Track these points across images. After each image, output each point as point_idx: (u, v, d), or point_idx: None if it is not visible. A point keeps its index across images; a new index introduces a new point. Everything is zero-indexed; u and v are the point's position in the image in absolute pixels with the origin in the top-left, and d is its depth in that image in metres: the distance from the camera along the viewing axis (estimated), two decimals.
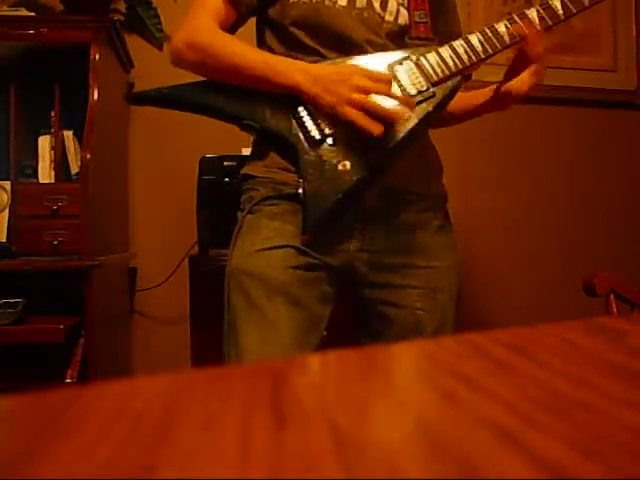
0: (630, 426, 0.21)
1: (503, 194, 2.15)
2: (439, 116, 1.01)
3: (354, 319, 1.09)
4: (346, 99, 0.90)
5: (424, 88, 0.94)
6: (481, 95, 1.07)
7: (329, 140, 0.93)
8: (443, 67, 0.95)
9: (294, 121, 0.95)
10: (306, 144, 0.94)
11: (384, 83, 0.91)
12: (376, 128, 0.89)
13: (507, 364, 0.29)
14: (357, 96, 0.89)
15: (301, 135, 0.94)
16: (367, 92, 0.90)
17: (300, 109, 0.94)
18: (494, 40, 0.97)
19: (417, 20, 1.00)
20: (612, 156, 2.25)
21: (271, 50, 1.03)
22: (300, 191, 0.94)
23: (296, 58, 0.98)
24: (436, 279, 1.01)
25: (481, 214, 2.13)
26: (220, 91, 0.98)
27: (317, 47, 0.98)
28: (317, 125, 0.94)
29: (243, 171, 1.04)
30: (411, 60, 0.96)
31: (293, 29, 0.98)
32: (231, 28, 1.03)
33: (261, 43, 1.06)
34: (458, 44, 0.95)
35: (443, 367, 0.29)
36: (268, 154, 1.00)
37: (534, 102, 2.15)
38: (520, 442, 0.19)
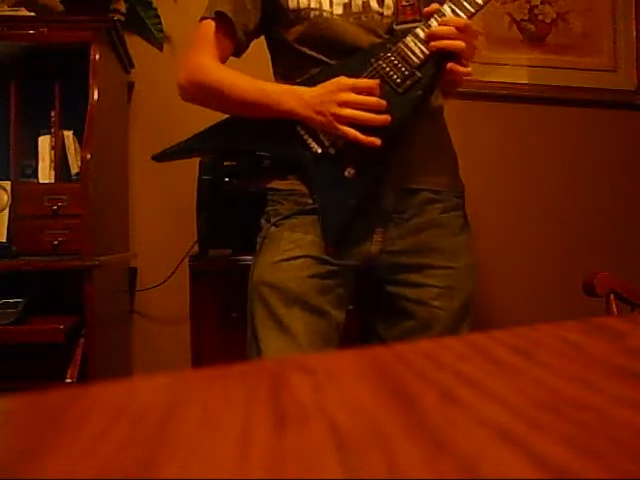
0: (630, 426, 0.21)
1: (503, 194, 2.15)
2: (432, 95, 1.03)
3: (371, 311, 1.11)
4: (335, 117, 0.93)
5: (409, 73, 0.96)
6: None
7: (331, 151, 0.96)
8: (422, 48, 0.95)
9: (295, 140, 0.98)
10: (310, 159, 0.97)
11: (370, 91, 0.93)
12: (373, 140, 0.92)
13: (507, 364, 0.29)
14: (345, 111, 0.92)
15: (306, 152, 0.98)
16: (353, 105, 0.93)
17: (298, 128, 0.98)
18: (465, 4, 0.95)
19: (404, 4, 1.00)
20: (612, 156, 2.25)
21: (279, 66, 1.08)
22: (317, 205, 0.98)
23: (302, 69, 1.02)
24: (454, 279, 1.03)
25: (480, 214, 2.13)
26: (227, 132, 1.03)
27: (322, 57, 1.01)
28: (316, 139, 0.97)
29: (268, 185, 1.07)
30: (390, 50, 0.96)
31: (297, 46, 1.02)
32: (235, 54, 1.07)
33: (273, 60, 1.11)
34: (432, 20, 0.96)
35: (444, 367, 0.29)
36: (286, 173, 1.04)
37: (534, 102, 2.15)
38: (520, 442, 0.19)
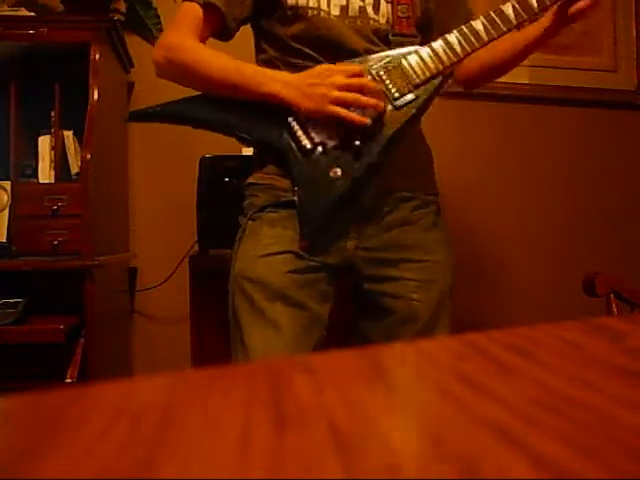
0: (630, 426, 0.21)
1: (503, 194, 2.15)
2: (427, 109, 1.04)
3: (354, 310, 1.12)
4: (329, 99, 0.93)
5: (406, 91, 0.97)
6: (531, 32, 1.07)
7: (319, 148, 0.97)
8: (424, 69, 0.97)
9: (285, 131, 0.98)
10: (298, 153, 0.97)
11: (359, 76, 0.94)
12: (365, 119, 0.93)
13: (507, 364, 0.29)
14: (339, 94, 0.93)
15: (293, 144, 0.97)
16: (346, 88, 0.93)
17: (290, 119, 0.97)
18: (472, 38, 0.98)
19: (400, 15, 1.01)
20: (612, 156, 2.25)
21: (264, 54, 1.06)
22: (296, 199, 0.98)
23: (294, 64, 1.01)
24: (431, 272, 1.05)
25: (480, 214, 2.13)
26: (213, 104, 1.01)
27: (316, 56, 1.01)
28: (307, 134, 0.97)
29: (247, 181, 1.08)
30: (393, 64, 0.98)
31: (293, 43, 1.02)
32: (223, 37, 1.05)
33: (258, 47, 1.10)
34: (437, 44, 0.98)
35: (443, 367, 0.29)
36: (267, 162, 1.04)
37: (534, 102, 2.15)
38: (520, 442, 0.19)
